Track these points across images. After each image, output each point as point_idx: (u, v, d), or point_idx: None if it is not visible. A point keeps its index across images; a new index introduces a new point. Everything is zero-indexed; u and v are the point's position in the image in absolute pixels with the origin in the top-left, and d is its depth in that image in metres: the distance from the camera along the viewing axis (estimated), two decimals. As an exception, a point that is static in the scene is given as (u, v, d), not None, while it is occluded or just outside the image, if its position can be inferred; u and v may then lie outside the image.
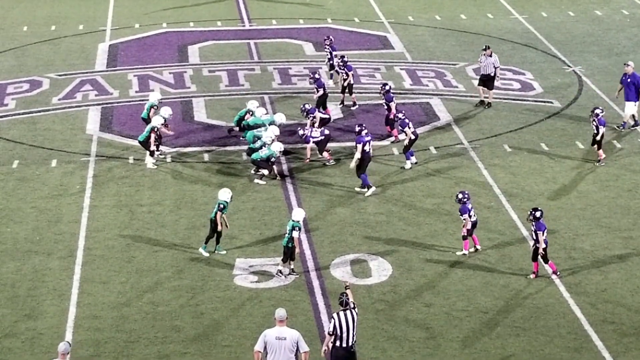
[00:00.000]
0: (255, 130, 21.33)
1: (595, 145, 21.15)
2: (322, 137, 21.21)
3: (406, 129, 20.77)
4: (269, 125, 21.26)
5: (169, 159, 21.67)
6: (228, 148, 22.21)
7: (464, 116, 23.96)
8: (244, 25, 31.33)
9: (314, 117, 21.98)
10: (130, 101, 25.00)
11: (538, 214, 16.37)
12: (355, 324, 13.24)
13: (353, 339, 13.25)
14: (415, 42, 29.37)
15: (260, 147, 20.45)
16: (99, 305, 15.93)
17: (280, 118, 21.88)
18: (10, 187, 20.33)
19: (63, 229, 18.50)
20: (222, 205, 17.24)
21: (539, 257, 16.55)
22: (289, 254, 16.58)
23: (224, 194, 17.39)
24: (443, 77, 26.48)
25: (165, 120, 21.36)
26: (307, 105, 22.22)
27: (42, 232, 18.37)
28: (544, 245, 16.39)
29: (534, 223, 16.41)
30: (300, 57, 28.00)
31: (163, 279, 16.73)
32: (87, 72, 26.94)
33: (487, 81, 24.41)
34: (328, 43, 25.52)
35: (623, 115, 23.21)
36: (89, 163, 21.40)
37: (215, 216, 17.22)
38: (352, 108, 24.19)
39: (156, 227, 18.53)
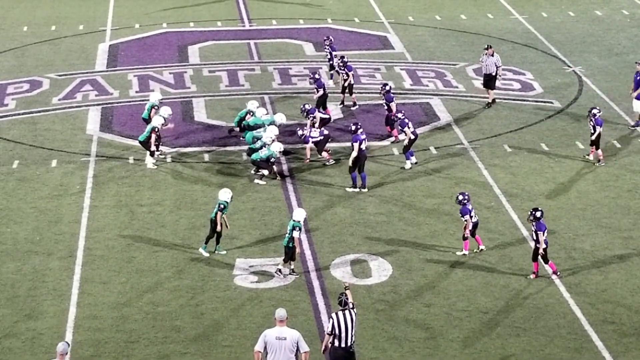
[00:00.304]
0: (255, 131, 21.33)
1: (593, 146, 21.16)
2: (322, 137, 21.22)
3: (405, 128, 20.78)
4: (269, 125, 21.27)
5: (169, 159, 21.67)
6: (228, 148, 22.21)
7: (464, 116, 23.96)
8: (244, 26, 31.34)
9: (314, 117, 21.98)
10: (130, 101, 25.00)
11: (538, 214, 16.37)
12: (354, 324, 13.24)
13: (352, 339, 13.25)
14: (415, 42, 29.37)
15: (260, 148, 20.46)
16: (99, 305, 15.93)
17: (281, 118, 21.88)
18: (11, 187, 20.33)
19: (63, 229, 18.50)
20: (222, 206, 17.25)
21: (539, 257, 16.55)
22: (290, 254, 16.57)
23: (224, 194, 17.40)
24: (443, 77, 26.48)
25: (165, 120, 21.35)
26: (307, 106, 22.22)
27: (42, 232, 18.37)
28: (544, 246, 16.39)
29: (534, 223, 16.42)
30: (300, 57, 28.00)
31: (163, 279, 16.73)
32: (87, 72, 26.95)
33: (488, 81, 24.42)
34: (328, 43, 25.52)
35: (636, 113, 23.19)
36: (89, 163, 21.40)
37: (215, 216, 17.23)
38: (352, 108, 24.19)
39: (156, 228, 18.53)
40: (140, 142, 21.10)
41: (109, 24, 31.27)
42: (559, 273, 16.64)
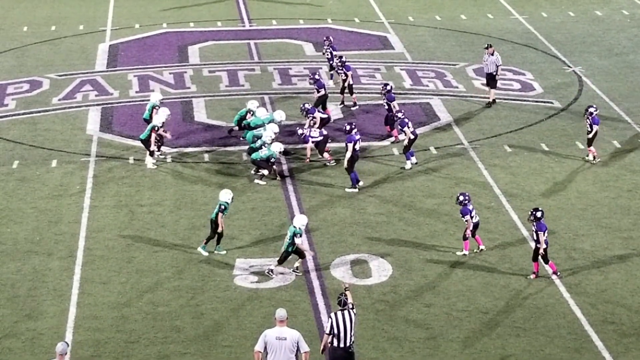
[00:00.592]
0: (255, 131, 21.33)
1: (591, 146, 21.17)
2: (321, 138, 21.21)
3: (405, 128, 20.78)
4: (268, 124, 21.25)
5: (169, 159, 21.67)
6: (228, 148, 22.21)
7: (464, 116, 23.96)
8: (244, 26, 31.34)
9: (314, 117, 21.97)
10: (130, 101, 25.00)
11: (539, 214, 16.36)
12: (353, 324, 13.23)
13: (351, 339, 13.24)
14: (415, 42, 29.37)
15: (260, 147, 20.46)
16: (99, 305, 15.93)
17: (280, 115, 21.85)
18: (11, 187, 20.33)
19: (63, 229, 18.50)
20: (223, 207, 17.25)
21: (539, 257, 16.55)
22: (286, 258, 16.56)
23: (225, 195, 17.40)
24: (443, 77, 26.48)
25: (165, 119, 21.34)
26: (306, 105, 22.22)
27: (42, 233, 18.36)
28: (544, 246, 16.38)
29: (534, 223, 16.41)
30: (300, 58, 28.00)
31: (163, 279, 16.73)
32: (87, 73, 26.95)
33: (489, 80, 24.43)
34: (328, 44, 25.52)
35: None
36: (89, 163, 21.40)
37: (216, 217, 17.22)
38: (352, 108, 24.19)
39: (156, 228, 18.53)
40: (141, 140, 21.09)
41: (109, 24, 31.27)
42: (559, 273, 16.64)
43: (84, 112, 24.31)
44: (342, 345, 13.18)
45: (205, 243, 17.44)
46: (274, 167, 20.40)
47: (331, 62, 25.40)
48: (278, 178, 20.44)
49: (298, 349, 12.85)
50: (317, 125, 21.77)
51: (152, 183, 20.46)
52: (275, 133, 20.73)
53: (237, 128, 22.37)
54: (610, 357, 14.62)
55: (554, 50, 28.72)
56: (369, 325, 15.25)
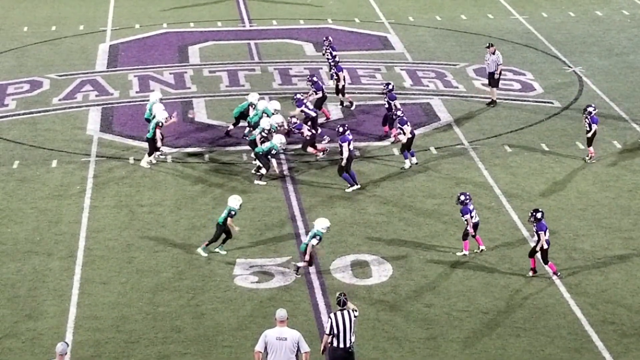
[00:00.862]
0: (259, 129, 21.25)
1: (590, 147, 21.18)
2: (310, 134, 20.96)
3: (405, 126, 20.76)
4: (265, 115, 21.15)
5: (169, 159, 21.67)
6: (228, 148, 22.21)
7: (464, 116, 23.96)
8: (244, 26, 31.34)
9: (301, 111, 21.86)
10: (130, 102, 25.00)
11: (539, 215, 16.36)
12: (352, 324, 13.21)
13: (351, 339, 13.23)
14: (415, 42, 29.37)
15: (263, 141, 20.39)
16: (99, 305, 15.93)
17: (274, 105, 21.67)
18: (11, 187, 20.33)
19: (63, 229, 18.50)
20: (233, 212, 17.23)
21: (540, 258, 16.54)
22: (311, 259, 16.52)
23: (234, 201, 17.38)
24: (443, 77, 26.48)
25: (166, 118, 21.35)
26: (298, 95, 22.16)
27: (43, 233, 18.37)
28: (545, 246, 16.38)
29: (535, 224, 16.41)
30: (300, 58, 28.00)
31: (163, 280, 16.73)
32: (87, 73, 26.95)
33: (490, 79, 24.45)
34: (327, 44, 25.52)
35: None
36: (89, 163, 21.40)
37: (224, 222, 17.20)
38: (351, 108, 24.17)
39: (156, 228, 18.53)
40: (148, 139, 21.00)
41: (109, 24, 31.27)
42: (559, 274, 16.63)
43: (84, 112, 24.31)
44: (341, 345, 13.18)
45: (207, 245, 17.43)
46: (274, 163, 20.28)
47: (331, 62, 25.39)
48: (276, 172, 20.38)
49: (298, 349, 12.85)
50: (302, 120, 21.45)
51: (152, 183, 20.46)
52: (276, 124, 20.66)
53: (232, 127, 22.25)
54: (610, 358, 14.62)
55: (554, 50, 28.72)
56: (369, 326, 15.25)
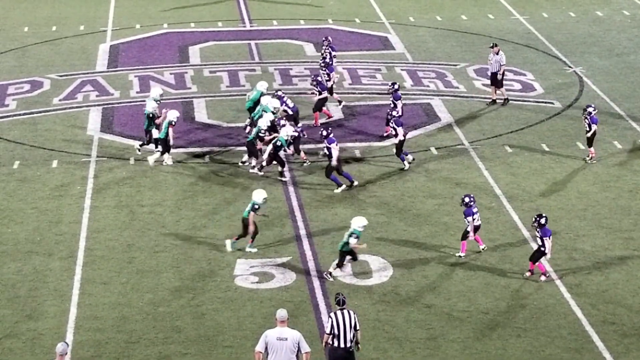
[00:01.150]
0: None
1: (590, 147, 21.18)
2: (296, 134, 20.75)
3: (399, 128, 20.68)
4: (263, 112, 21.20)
5: (170, 161, 21.66)
6: (229, 148, 22.21)
7: (464, 117, 23.96)
8: (244, 26, 31.35)
9: (281, 107, 21.77)
10: (131, 102, 25.00)
11: (543, 220, 16.32)
12: (352, 324, 13.18)
13: (352, 339, 13.21)
14: (416, 42, 29.37)
15: (256, 137, 20.40)
16: (100, 305, 15.93)
17: (262, 86, 21.83)
18: (11, 187, 20.33)
19: (64, 229, 18.50)
20: (256, 207, 17.27)
21: (533, 257, 16.52)
22: (343, 260, 16.51)
23: (259, 195, 17.41)
24: (444, 77, 26.48)
25: (159, 104, 21.35)
26: (279, 93, 22.16)
27: (43, 233, 18.37)
28: (549, 255, 16.33)
29: (539, 230, 16.37)
30: (301, 58, 28.00)
31: (164, 280, 16.73)
32: (88, 73, 26.96)
33: (494, 79, 24.47)
34: (326, 44, 25.51)
35: None
36: (89, 164, 21.40)
37: (248, 216, 17.21)
38: (339, 106, 24.10)
39: (157, 228, 18.53)
40: (160, 139, 21.00)
41: (109, 25, 31.28)
42: (547, 275, 16.57)
43: (85, 113, 24.31)
44: (342, 345, 13.17)
45: (236, 239, 17.39)
46: (262, 152, 20.25)
47: (330, 62, 25.39)
48: (264, 164, 20.34)
49: (299, 350, 12.84)
50: (284, 119, 21.23)
51: (152, 183, 20.46)
52: (270, 120, 20.69)
53: (248, 123, 21.84)
54: (610, 358, 14.62)
55: (555, 50, 28.72)
56: (369, 326, 15.25)
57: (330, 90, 23.88)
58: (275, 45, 29.27)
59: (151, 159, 21.04)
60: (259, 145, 20.74)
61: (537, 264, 16.57)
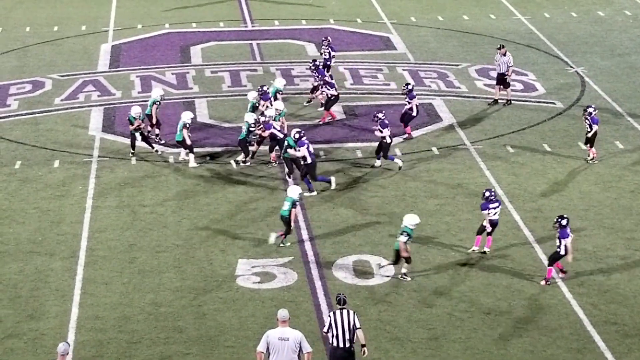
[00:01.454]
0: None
1: (588, 145, 21.16)
2: (282, 136, 20.53)
3: (386, 130, 20.61)
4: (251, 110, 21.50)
5: (171, 160, 21.69)
6: (230, 149, 22.20)
7: (466, 117, 23.95)
8: (246, 26, 31.35)
9: (268, 104, 21.77)
10: (132, 102, 25.00)
11: (564, 222, 16.29)
12: (351, 323, 13.11)
13: (350, 339, 13.15)
14: (417, 42, 29.37)
15: (248, 133, 20.59)
16: (101, 305, 15.94)
17: (280, 82, 22.44)
18: (13, 187, 20.34)
19: (65, 229, 18.51)
20: (296, 204, 17.44)
21: (549, 259, 16.48)
22: (399, 257, 16.52)
23: (294, 192, 17.55)
24: (445, 77, 26.47)
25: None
26: (264, 88, 22.35)
27: (45, 233, 18.38)
28: (563, 252, 16.26)
29: (559, 230, 16.35)
30: (302, 58, 27.99)
31: (165, 280, 16.74)
32: (89, 73, 26.97)
33: (501, 80, 24.50)
34: (326, 44, 25.51)
35: None
36: (91, 164, 21.41)
37: (289, 213, 17.36)
38: (305, 104, 24.03)
39: (159, 228, 18.54)
40: (178, 142, 21.13)
41: (111, 25, 31.29)
42: (550, 282, 16.50)
43: (87, 113, 24.32)
44: (341, 345, 13.14)
45: (282, 235, 17.51)
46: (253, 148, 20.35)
47: (329, 62, 25.41)
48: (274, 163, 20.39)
49: (300, 350, 12.84)
50: (274, 119, 21.19)
51: (154, 184, 20.47)
52: (256, 119, 20.80)
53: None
54: (612, 358, 14.61)
55: (557, 50, 28.71)
56: (371, 326, 15.25)
57: (314, 90, 23.86)
58: (276, 45, 29.27)
59: (192, 162, 20.98)
60: (255, 146, 20.88)
61: (554, 265, 16.48)
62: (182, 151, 21.49)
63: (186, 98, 25.21)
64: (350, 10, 32.73)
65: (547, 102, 24.98)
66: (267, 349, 12.82)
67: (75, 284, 16.55)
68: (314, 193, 19.58)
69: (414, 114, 22.28)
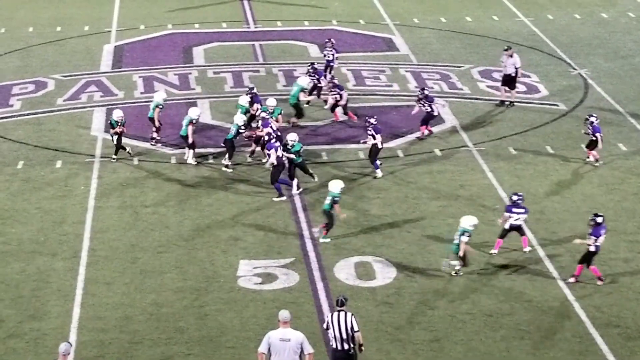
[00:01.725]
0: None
1: (588, 148, 21.08)
2: (275, 136, 20.48)
3: (378, 135, 20.48)
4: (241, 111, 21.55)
5: (173, 160, 21.68)
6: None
7: (469, 118, 23.93)
8: (249, 27, 31.35)
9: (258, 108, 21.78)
10: (135, 102, 25.01)
11: (599, 219, 16.28)
12: (348, 326, 12.99)
13: (348, 341, 13.05)
14: (420, 44, 29.35)
15: (236, 135, 20.61)
16: (103, 306, 15.93)
17: (304, 81, 22.64)
18: (15, 187, 20.34)
19: (67, 229, 18.51)
20: (337, 198, 17.58)
21: (581, 259, 16.45)
22: (464, 258, 16.54)
23: (335, 186, 17.66)
24: (448, 79, 26.45)
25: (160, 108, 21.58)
26: (254, 89, 22.43)
27: (47, 233, 18.37)
28: (593, 249, 16.21)
29: (592, 228, 16.31)
30: (305, 59, 27.96)
31: (167, 280, 16.73)
32: (92, 73, 26.98)
33: (508, 81, 24.50)
34: (330, 45, 25.49)
35: None
36: (93, 164, 21.41)
37: (330, 208, 17.50)
38: (305, 105, 24.07)
39: (160, 228, 18.53)
40: (182, 137, 21.20)
41: (114, 25, 31.30)
42: (603, 279, 16.37)
43: (89, 113, 24.32)
44: (338, 347, 13.10)
45: (326, 232, 17.60)
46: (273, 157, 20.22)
47: (332, 64, 25.39)
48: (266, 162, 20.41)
49: (302, 351, 12.81)
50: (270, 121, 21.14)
51: (156, 184, 20.46)
52: (245, 121, 20.88)
53: (294, 119, 22.31)
54: (614, 361, 14.60)
55: (560, 52, 28.68)
56: (372, 328, 15.23)
57: (312, 92, 23.86)
58: (279, 46, 29.26)
59: (190, 159, 21.02)
60: (253, 147, 20.92)
61: (589, 267, 16.46)
62: (186, 151, 21.47)
63: (189, 99, 25.21)
64: (353, 11, 32.72)
65: (550, 104, 24.95)
66: (269, 350, 12.80)
67: (77, 284, 16.54)
68: (283, 198, 19.46)
69: (435, 113, 22.37)
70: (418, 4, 33.53)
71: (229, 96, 25.45)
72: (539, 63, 27.80)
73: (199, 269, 17.10)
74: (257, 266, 17.15)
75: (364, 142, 20.94)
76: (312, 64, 24.51)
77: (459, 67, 27.36)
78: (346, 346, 13.09)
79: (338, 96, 23.10)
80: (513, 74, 24.35)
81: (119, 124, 21.20)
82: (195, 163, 21.11)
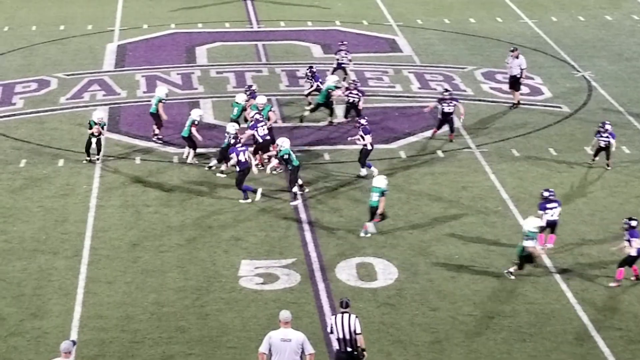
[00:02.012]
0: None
1: (607, 157, 20.97)
2: (268, 138, 20.48)
3: (367, 136, 20.41)
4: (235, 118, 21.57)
5: (175, 160, 21.68)
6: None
7: (472, 120, 23.89)
8: (252, 27, 31.34)
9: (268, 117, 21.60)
10: (137, 101, 25.01)
11: (634, 223, 16.28)
12: (351, 328, 12.97)
13: (352, 344, 13.01)
14: (423, 45, 29.33)
15: (229, 144, 20.34)
16: (104, 305, 15.92)
17: (332, 79, 22.84)
18: (18, 186, 20.35)
19: (69, 228, 18.50)
20: (384, 193, 17.80)
21: (621, 262, 16.39)
22: (522, 263, 16.52)
23: (381, 182, 17.87)
24: (451, 80, 26.42)
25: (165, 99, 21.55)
26: (253, 87, 22.52)
27: (49, 232, 18.37)
28: (634, 253, 16.17)
29: (627, 232, 16.28)
30: (308, 59, 27.96)
31: (168, 280, 16.72)
32: (95, 72, 26.98)
33: (513, 82, 24.47)
34: (344, 49, 25.47)
35: None
36: (95, 163, 21.40)
37: (377, 203, 17.72)
38: (305, 107, 24.03)
39: (162, 228, 18.52)
40: (183, 138, 21.14)
41: (117, 24, 31.31)
42: (619, 284, 16.36)
43: (92, 112, 24.30)
44: (342, 349, 13.08)
45: (379, 220, 17.85)
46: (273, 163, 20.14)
47: (344, 65, 25.37)
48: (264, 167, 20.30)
49: (303, 351, 12.80)
50: (264, 124, 21.02)
51: (158, 183, 20.46)
52: (237, 129, 20.53)
53: (330, 117, 22.42)
54: (616, 364, 14.56)
55: (563, 54, 28.65)
56: (373, 329, 15.21)
57: (309, 94, 23.86)
58: (282, 46, 29.26)
59: (190, 158, 21.03)
60: (258, 158, 20.72)
61: (632, 267, 16.42)
62: (186, 150, 21.44)
63: (191, 98, 25.21)
64: (357, 12, 32.71)
65: (553, 106, 24.91)
66: (270, 350, 12.79)
67: (78, 283, 16.54)
68: (248, 200, 19.38)
69: (453, 116, 22.21)
70: (421, 5, 33.51)
71: (232, 96, 25.37)
72: (543, 65, 27.76)
73: (201, 268, 17.09)
74: (259, 266, 17.14)
75: (351, 139, 20.83)
76: (311, 67, 24.45)
77: (462, 68, 27.34)
78: (349, 348, 13.07)
79: (357, 98, 22.99)
80: (518, 75, 24.32)
81: (99, 125, 21.05)
82: (195, 162, 21.07)
